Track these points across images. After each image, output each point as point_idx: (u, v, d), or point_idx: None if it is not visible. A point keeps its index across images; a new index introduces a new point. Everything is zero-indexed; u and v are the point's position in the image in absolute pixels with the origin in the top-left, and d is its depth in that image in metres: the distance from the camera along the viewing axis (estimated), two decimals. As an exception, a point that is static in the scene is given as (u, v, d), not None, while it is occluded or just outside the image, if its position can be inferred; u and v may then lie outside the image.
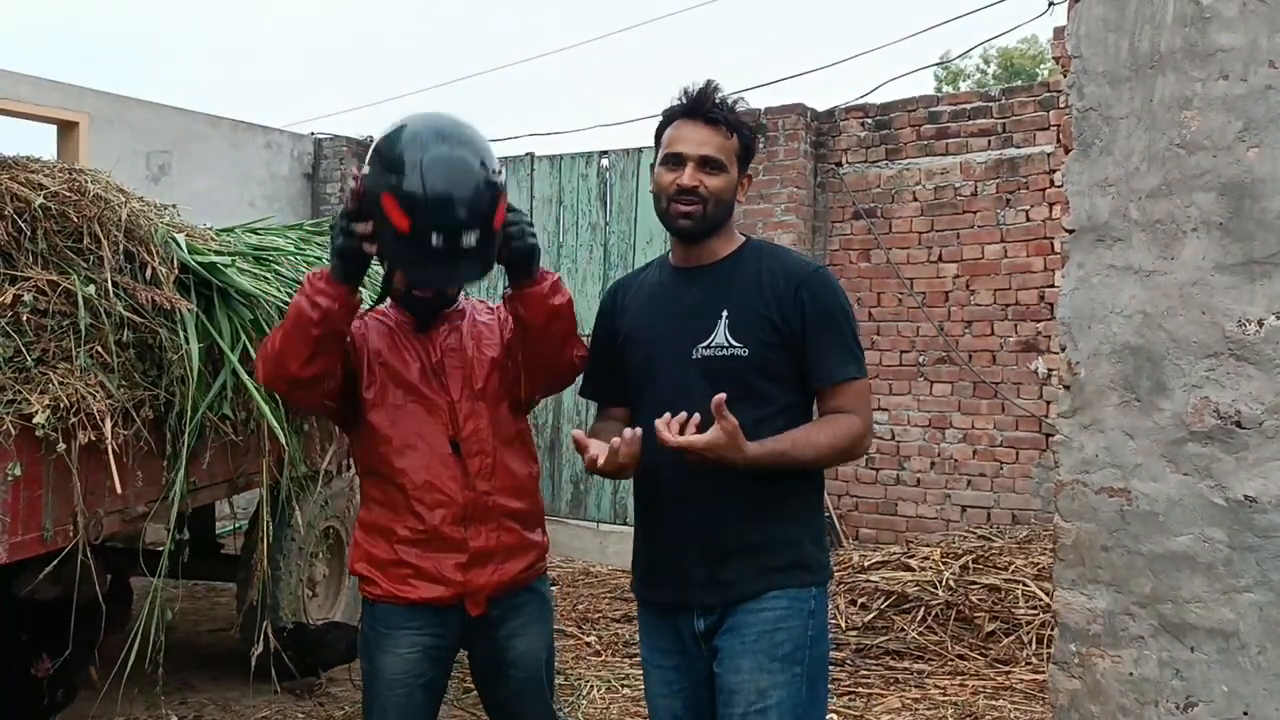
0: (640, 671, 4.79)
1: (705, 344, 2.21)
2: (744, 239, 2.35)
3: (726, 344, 2.19)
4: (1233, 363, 2.11)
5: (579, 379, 2.55)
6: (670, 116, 2.29)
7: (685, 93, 2.27)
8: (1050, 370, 6.21)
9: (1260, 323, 2.09)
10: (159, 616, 3.43)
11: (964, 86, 21.82)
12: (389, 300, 2.67)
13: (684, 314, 2.26)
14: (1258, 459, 2.09)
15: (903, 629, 5.03)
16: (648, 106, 10.38)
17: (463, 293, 2.71)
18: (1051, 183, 6.22)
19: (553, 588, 2.80)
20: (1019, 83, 10.06)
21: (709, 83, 2.27)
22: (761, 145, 6.55)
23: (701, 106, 2.24)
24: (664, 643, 2.30)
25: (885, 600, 5.28)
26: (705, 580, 2.20)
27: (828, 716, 2.19)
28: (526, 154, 8.01)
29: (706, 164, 2.22)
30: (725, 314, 2.21)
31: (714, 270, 2.28)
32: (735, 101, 2.29)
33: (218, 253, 3.72)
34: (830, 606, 2.39)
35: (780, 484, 2.19)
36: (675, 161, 2.24)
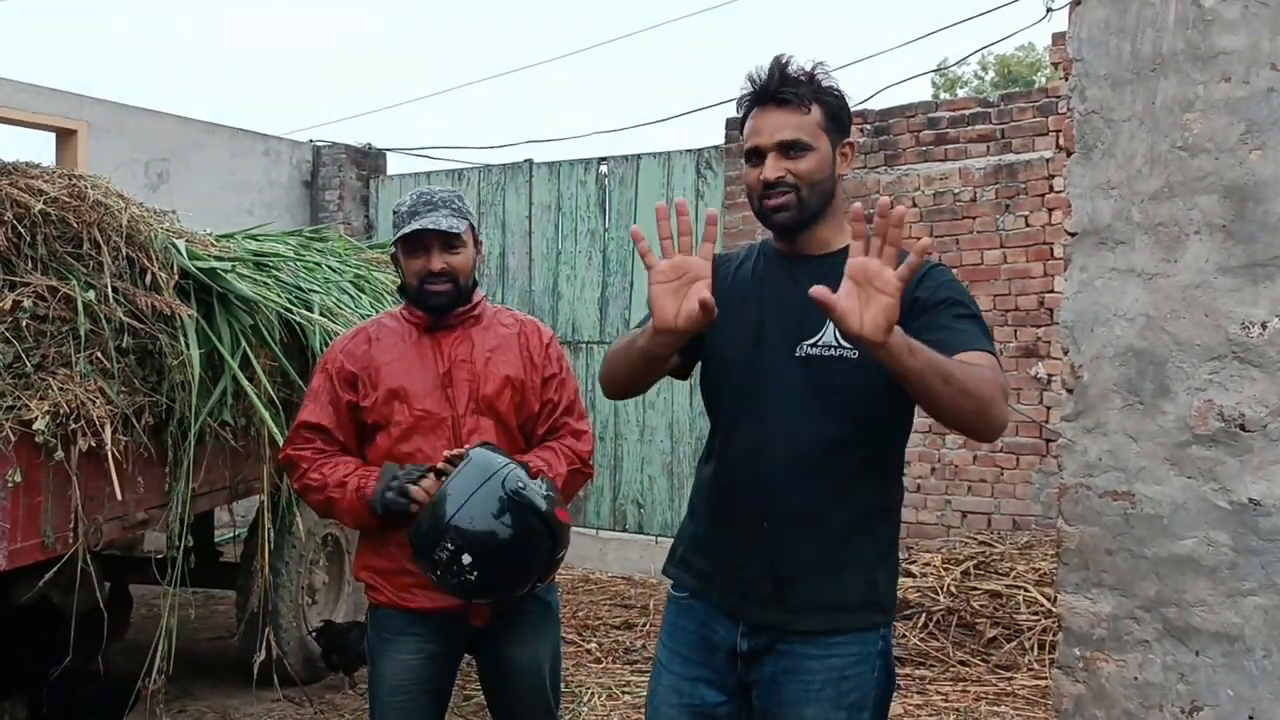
0: (639, 679, 4.82)
1: (812, 341, 1.96)
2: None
3: (836, 343, 1.93)
4: (1236, 365, 2.11)
5: None
6: (744, 108, 2.04)
7: (751, 79, 2.01)
8: (1050, 375, 6.20)
9: (1264, 325, 2.09)
10: (164, 624, 3.43)
11: (961, 93, 21.86)
12: (402, 299, 2.66)
13: (792, 306, 1.99)
14: (1262, 462, 2.09)
15: (904, 635, 5.01)
16: (646, 113, 10.40)
17: (483, 295, 2.68)
18: (1050, 188, 6.22)
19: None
20: (1017, 88, 10.08)
21: (775, 60, 2.00)
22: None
23: (769, 89, 1.98)
24: (686, 650, 2.09)
25: (886, 606, 5.26)
26: (769, 597, 1.99)
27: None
28: (525, 160, 8.01)
29: (788, 149, 1.96)
30: None
31: (828, 261, 1.99)
32: (813, 69, 2.01)
33: (218, 258, 3.71)
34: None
35: (865, 503, 1.97)
36: (756, 157, 2.00)
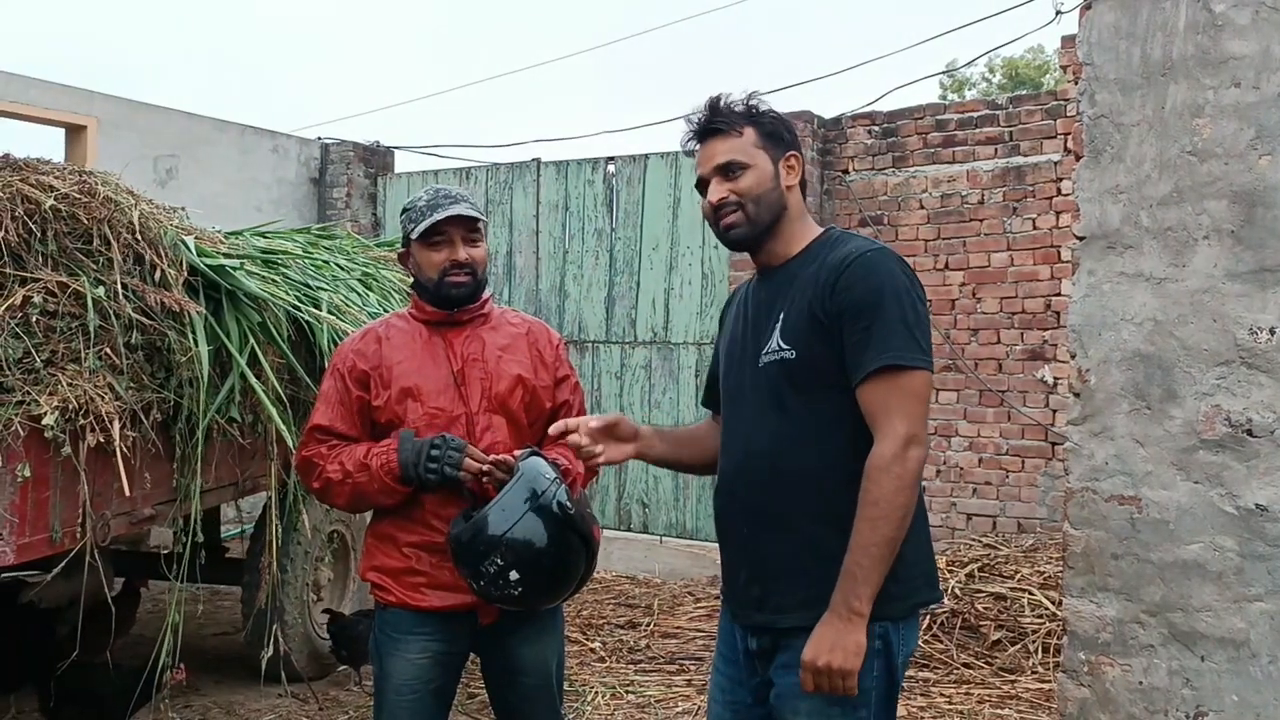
0: (643, 678, 4.84)
1: (765, 349, 2.06)
2: (822, 231, 2.17)
3: (778, 348, 2.04)
4: (1244, 371, 2.11)
5: None
6: (687, 149, 2.21)
7: (687, 119, 2.19)
8: (1057, 379, 6.20)
9: (1272, 331, 2.09)
10: (170, 620, 3.44)
11: (969, 95, 21.81)
12: (412, 298, 2.67)
13: (753, 320, 2.15)
14: (1269, 467, 2.09)
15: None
16: (655, 113, 10.41)
17: (489, 294, 2.70)
18: (1058, 191, 6.22)
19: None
20: (1025, 91, 10.07)
21: (708, 98, 2.16)
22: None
23: (702, 123, 2.16)
24: (726, 649, 2.21)
25: (891, 608, 5.25)
26: (758, 600, 2.08)
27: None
28: (533, 160, 8.02)
29: (726, 171, 2.11)
30: (781, 316, 2.05)
31: (781, 271, 2.13)
32: (746, 97, 2.15)
33: (226, 256, 3.72)
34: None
35: (842, 505, 1.96)
36: (702, 187, 2.16)
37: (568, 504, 2.36)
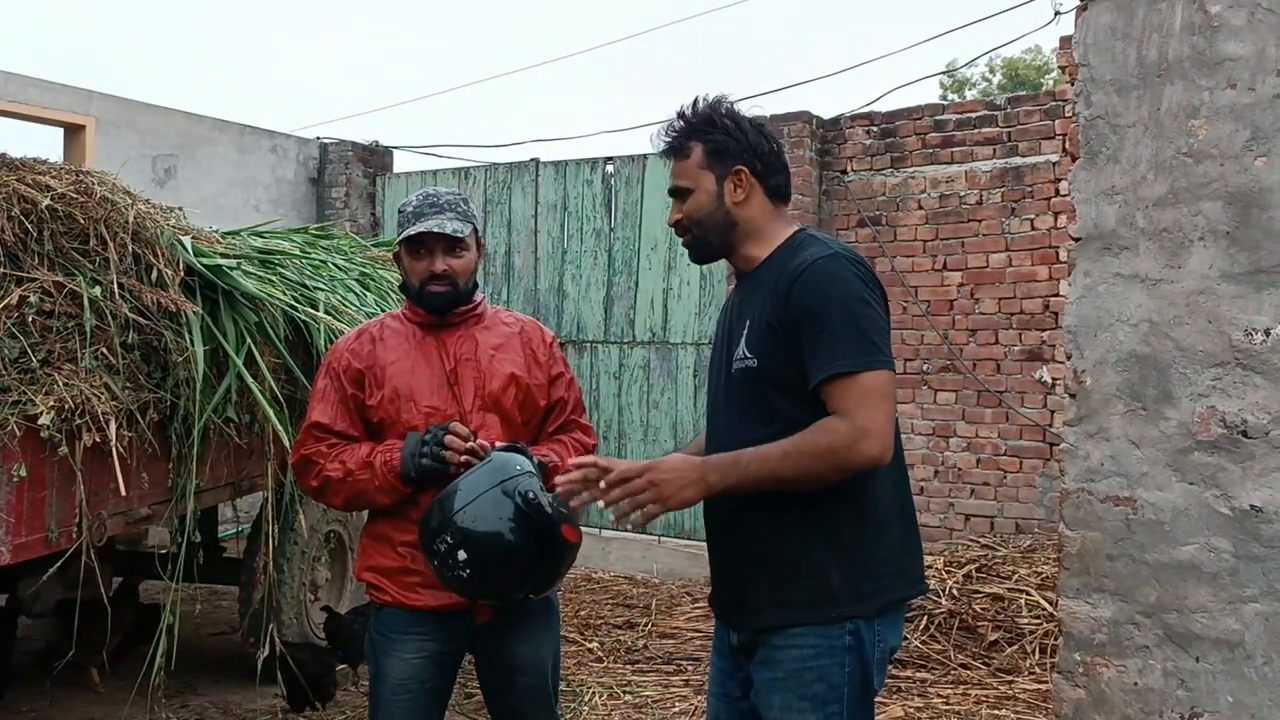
0: (640, 678, 4.84)
1: (735, 356, 2.09)
2: (791, 234, 2.15)
3: (744, 355, 2.06)
4: (1239, 372, 2.11)
5: None
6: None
7: (652, 141, 2.22)
8: (1055, 379, 6.20)
9: (1267, 332, 2.09)
10: (166, 620, 3.44)
11: (969, 96, 21.82)
12: (405, 299, 2.68)
13: (729, 326, 2.18)
14: (1264, 469, 2.09)
15: (905, 637, 5.01)
16: (654, 113, 10.41)
17: (482, 295, 2.71)
18: (1057, 191, 6.22)
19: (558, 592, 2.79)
20: (1024, 92, 10.06)
21: (674, 113, 2.17)
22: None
23: (662, 150, 2.19)
24: (719, 643, 2.26)
25: (888, 608, 5.25)
26: (736, 600, 2.14)
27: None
28: (532, 160, 8.02)
29: (676, 196, 2.17)
30: (747, 324, 2.07)
31: (752, 277, 2.15)
32: (708, 107, 2.14)
33: (223, 255, 3.72)
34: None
35: (814, 502, 1.99)
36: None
37: (534, 496, 2.30)
